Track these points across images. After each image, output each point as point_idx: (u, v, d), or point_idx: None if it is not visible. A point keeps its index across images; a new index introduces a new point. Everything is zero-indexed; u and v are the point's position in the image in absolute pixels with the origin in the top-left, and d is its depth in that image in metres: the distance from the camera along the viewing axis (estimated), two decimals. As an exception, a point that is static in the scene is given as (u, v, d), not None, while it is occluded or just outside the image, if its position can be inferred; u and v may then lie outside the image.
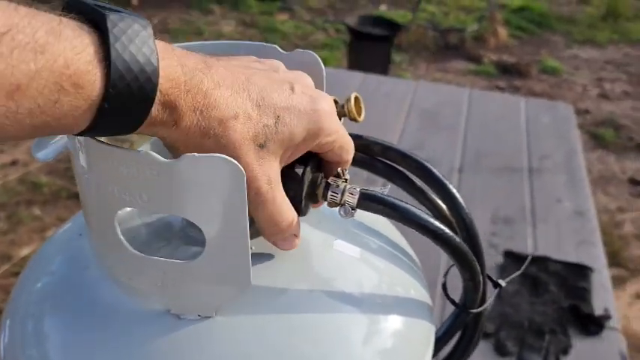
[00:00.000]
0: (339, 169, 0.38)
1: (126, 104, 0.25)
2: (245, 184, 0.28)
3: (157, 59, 0.26)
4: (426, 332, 0.40)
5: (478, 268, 0.40)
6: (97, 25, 0.25)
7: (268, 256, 0.38)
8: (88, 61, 0.24)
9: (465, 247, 0.38)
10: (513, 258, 0.98)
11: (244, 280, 0.32)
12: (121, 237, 0.31)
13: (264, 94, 0.31)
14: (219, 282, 0.32)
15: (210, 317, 0.33)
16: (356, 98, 0.45)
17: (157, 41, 0.27)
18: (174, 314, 0.33)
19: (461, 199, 0.42)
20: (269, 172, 0.31)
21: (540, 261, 0.97)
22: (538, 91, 2.99)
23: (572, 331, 0.86)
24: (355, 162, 0.45)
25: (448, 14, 3.88)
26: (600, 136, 2.64)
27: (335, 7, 3.89)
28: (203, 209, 0.29)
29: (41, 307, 0.38)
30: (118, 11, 0.26)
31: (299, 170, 0.35)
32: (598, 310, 0.90)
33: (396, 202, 0.36)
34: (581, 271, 0.96)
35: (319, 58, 0.40)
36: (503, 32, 3.48)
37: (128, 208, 0.35)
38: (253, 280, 0.33)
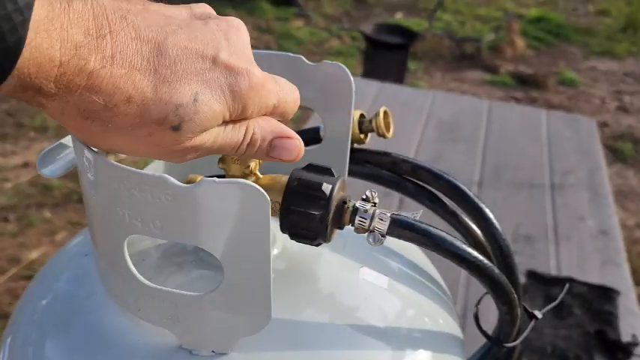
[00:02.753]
0: (367, 193, 0.35)
1: None
2: (269, 213, 0.25)
3: (23, 40, 0.21)
4: (457, 370, 0.37)
5: (517, 301, 0.36)
6: None
7: (287, 284, 0.35)
8: None
9: (504, 279, 0.34)
10: (536, 278, 0.94)
11: (264, 314, 0.29)
12: (131, 266, 0.28)
13: (178, 67, 0.25)
14: (237, 316, 0.29)
15: (225, 354, 0.30)
16: (385, 113, 0.42)
17: (45, 5, 0.22)
18: (185, 349, 0.30)
19: (498, 225, 0.39)
20: (196, 149, 0.27)
21: (564, 282, 0.93)
22: (556, 103, 2.95)
23: (598, 358, 0.82)
24: (382, 181, 0.42)
25: (464, 23, 3.85)
26: (619, 149, 2.59)
27: (350, 15, 3.87)
28: (222, 238, 0.26)
29: (43, 330, 0.36)
30: None
31: (327, 189, 0.32)
32: (625, 336, 0.86)
33: (431, 229, 0.33)
34: (607, 293, 0.92)
35: (348, 71, 0.37)
36: (520, 43, 3.44)
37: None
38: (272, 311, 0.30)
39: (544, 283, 0.93)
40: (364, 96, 1.47)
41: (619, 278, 0.97)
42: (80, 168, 0.29)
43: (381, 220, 0.33)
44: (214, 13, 0.30)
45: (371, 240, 0.33)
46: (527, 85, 3.09)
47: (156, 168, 0.39)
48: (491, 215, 0.39)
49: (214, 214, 0.25)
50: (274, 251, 0.36)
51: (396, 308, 0.38)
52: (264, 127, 0.30)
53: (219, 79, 0.27)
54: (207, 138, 0.27)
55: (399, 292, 0.39)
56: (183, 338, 0.30)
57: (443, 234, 0.33)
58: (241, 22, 0.30)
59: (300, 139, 0.31)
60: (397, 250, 0.43)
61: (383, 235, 0.33)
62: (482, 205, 0.39)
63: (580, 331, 0.85)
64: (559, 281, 0.93)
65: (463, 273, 0.95)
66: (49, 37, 0.22)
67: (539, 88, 3.07)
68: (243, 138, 0.29)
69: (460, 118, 1.42)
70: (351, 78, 0.37)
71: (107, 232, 0.28)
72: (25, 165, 2.15)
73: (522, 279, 0.94)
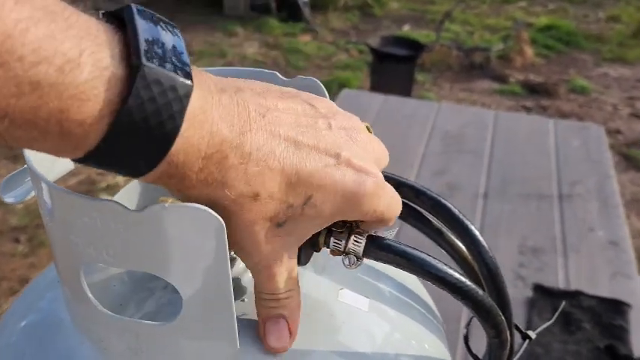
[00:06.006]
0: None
1: (120, 159, 0.22)
2: (225, 237, 0.24)
3: (179, 128, 0.22)
4: (444, 396, 0.36)
5: (505, 323, 0.35)
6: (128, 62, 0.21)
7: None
8: (93, 114, 0.20)
9: (489, 301, 0.33)
10: (543, 292, 0.91)
11: (230, 342, 0.28)
12: (89, 294, 0.27)
13: (302, 167, 0.26)
14: (201, 346, 0.28)
15: (192, 385, 0.29)
16: (367, 128, 0.41)
17: (195, 91, 0.22)
18: (151, 380, 0.29)
19: (484, 242, 0.38)
20: (279, 250, 0.27)
21: (573, 295, 0.91)
22: (567, 110, 2.91)
23: (610, 374, 0.79)
24: (365, 199, 0.41)
25: (473, 34, 3.84)
26: (632, 156, 2.55)
27: (358, 28, 3.88)
28: (178, 265, 0.25)
29: (19, 356, 0.35)
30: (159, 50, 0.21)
31: None
32: (637, 351, 0.83)
33: (409, 250, 0.31)
34: (618, 307, 0.90)
35: (321, 84, 0.36)
36: (529, 51, 3.42)
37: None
38: (245, 341, 0.28)
39: (552, 297, 0.90)
40: (368, 109, 1.46)
41: (630, 291, 0.94)
42: (38, 196, 0.28)
43: (356, 241, 0.31)
44: (335, 107, 0.30)
45: (346, 263, 0.32)
46: (537, 94, 3.06)
47: (130, 190, 0.38)
48: (476, 232, 0.38)
49: (167, 240, 0.24)
50: (248, 274, 0.35)
51: (380, 332, 0.36)
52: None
53: (343, 175, 0.27)
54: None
55: (384, 315, 0.37)
56: (147, 369, 0.29)
57: (423, 255, 0.31)
58: (360, 122, 0.31)
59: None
60: (384, 270, 0.41)
61: (359, 258, 0.32)
62: (468, 222, 0.38)
63: (590, 346, 0.82)
64: (567, 294, 0.91)
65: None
66: (201, 128, 0.23)
67: (549, 96, 3.04)
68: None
69: (466, 130, 1.40)
70: (325, 92, 0.36)
71: (65, 259, 0.27)
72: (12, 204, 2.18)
73: (529, 293, 0.92)
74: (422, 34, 3.61)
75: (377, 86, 2.57)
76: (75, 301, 0.29)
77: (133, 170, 0.22)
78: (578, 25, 4.01)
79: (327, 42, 3.60)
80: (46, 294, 0.38)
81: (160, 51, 0.21)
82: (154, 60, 0.21)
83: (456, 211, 0.38)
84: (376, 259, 0.32)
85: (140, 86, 0.20)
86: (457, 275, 0.32)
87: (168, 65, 0.21)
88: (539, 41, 3.66)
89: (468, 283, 0.32)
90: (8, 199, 0.30)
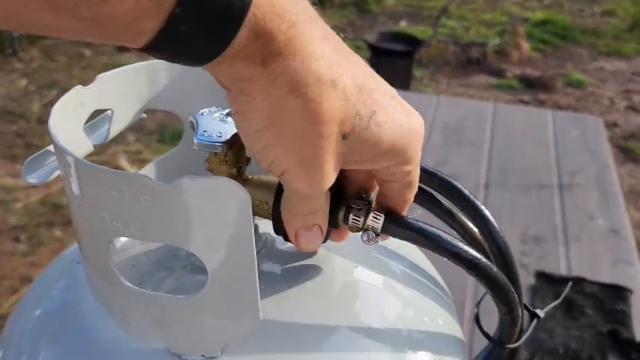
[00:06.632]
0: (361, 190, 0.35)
1: (204, 17, 0.20)
2: (250, 211, 0.25)
3: None
4: (458, 371, 0.36)
5: (517, 300, 0.35)
6: None
7: (280, 284, 0.35)
8: None
9: (503, 278, 0.33)
10: (546, 279, 0.92)
11: (253, 315, 0.28)
12: (114, 269, 0.28)
13: (367, 81, 0.25)
14: (225, 318, 0.28)
15: (215, 358, 0.30)
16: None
17: None
18: (175, 354, 0.30)
19: (495, 222, 0.38)
20: (330, 173, 0.26)
21: (575, 282, 0.92)
22: (564, 104, 2.92)
23: (612, 359, 0.80)
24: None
25: (469, 29, 3.84)
26: (630, 149, 2.56)
27: (354, 25, 3.88)
28: (204, 238, 0.25)
29: (36, 341, 0.35)
30: None
31: None
32: (638, 335, 0.84)
33: (426, 227, 0.32)
34: (619, 292, 0.91)
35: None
36: (525, 46, 3.43)
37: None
38: (263, 314, 0.29)
39: (554, 284, 0.91)
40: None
41: (631, 277, 0.95)
42: (63, 173, 0.29)
43: (375, 218, 0.32)
44: None
45: (365, 239, 0.32)
46: (534, 88, 3.07)
47: (150, 170, 0.39)
48: (487, 212, 0.38)
49: (194, 212, 0.25)
50: (262, 251, 0.36)
51: (395, 309, 0.37)
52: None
53: (397, 109, 0.26)
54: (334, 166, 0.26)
55: (398, 293, 0.38)
56: (171, 343, 0.29)
57: (439, 232, 0.32)
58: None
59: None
60: (396, 250, 0.42)
61: (377, 234, 0.32)
62: (478, 203, 0.39)
63: (593, 331, 0.83)
64: (569, 281, 0.92)
65: (470, 279, 0.94)
66: None
67: (546, 90, 3.05)
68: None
69: (465, 122, 1.41)
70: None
71: (91, 236, 0.28)
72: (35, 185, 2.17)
73: (532, 280, 0.93)
74: (418, 30, 3.62)
75: (375, 82, 2.58)
76: (99, 277, 0.30)
77: (226, 22, 0.20)
78: (574, 20, 4.03)
79: (324, 38, 3.60)
80: (56, 284, 0.38)
81: None
82: None
83: (467, 192, 0.39)
84: (394, 236, 0.33)
85: None
86: (473, 252, 0.32)
87: None
88: (535, 36, 3.67)
89: (483, 259, 0.33)
90: (31, 180, 0.31)
